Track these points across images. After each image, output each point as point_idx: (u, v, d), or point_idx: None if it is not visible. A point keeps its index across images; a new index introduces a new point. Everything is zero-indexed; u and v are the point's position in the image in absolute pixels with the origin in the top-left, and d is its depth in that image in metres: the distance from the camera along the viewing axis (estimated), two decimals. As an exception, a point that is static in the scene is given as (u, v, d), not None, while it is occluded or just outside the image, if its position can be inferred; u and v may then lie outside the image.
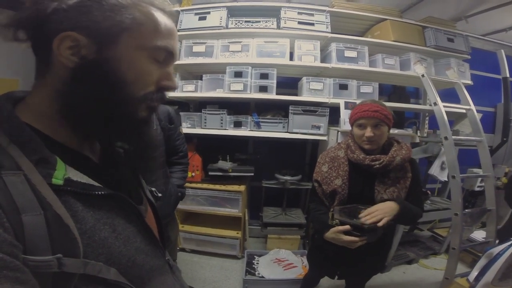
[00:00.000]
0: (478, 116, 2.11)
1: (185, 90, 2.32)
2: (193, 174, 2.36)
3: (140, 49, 0.42)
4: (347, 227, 1.19)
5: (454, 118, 2.64)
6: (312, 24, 2.30)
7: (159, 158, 1.44)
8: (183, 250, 2.47)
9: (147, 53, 0.43)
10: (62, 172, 0.39)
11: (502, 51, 2.85)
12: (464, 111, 2.15)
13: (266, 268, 2.16)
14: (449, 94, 2.41)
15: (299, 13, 2.29)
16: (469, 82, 2.53)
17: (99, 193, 0.42)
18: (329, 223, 1.25)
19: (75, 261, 0.36)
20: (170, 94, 2.05)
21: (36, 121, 0.42)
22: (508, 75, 2.89)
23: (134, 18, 0.41)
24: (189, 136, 2.44)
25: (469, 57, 2.62)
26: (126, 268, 0.43)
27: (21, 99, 0.44)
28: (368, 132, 1.26)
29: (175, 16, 0.47)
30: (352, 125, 1.38)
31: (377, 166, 1.25)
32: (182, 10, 2.35)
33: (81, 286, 0.37)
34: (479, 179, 2.58)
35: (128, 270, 0.43)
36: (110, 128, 0.46)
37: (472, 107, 2.10)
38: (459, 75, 2.38)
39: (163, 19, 0.45)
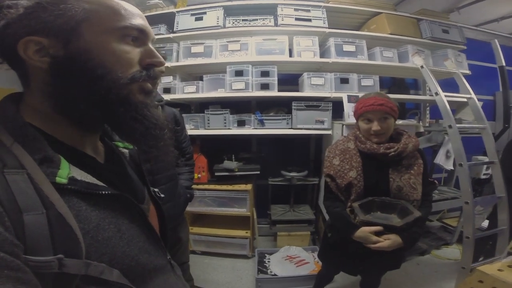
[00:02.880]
0: (479, 104, 2.12)
1: (186, 91, 2.32)
2: (200, 175, 2.34)
3: (106, 33, 0.42)
4: (380, 228, 1.17)
5: (455, 107, 2.65)
6: (309, 20, 2.33)
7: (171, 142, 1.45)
8: (193, 252, 2.44)
9: (115, 35, 0.43)
10: (66, 171, 0.39)
11: (496, 40, 2.87)
12: (465, 100, 2.16)
13: (278, 266, 2.13)
14: (447, 84, 2.43)
15: (295, 9, 2.32)
16: (467, 71, 2.57)
17: (104, 192, 0.42)
18: (353, 222, 1.23)
19: (76, 262, 0.35)
20: (172, 97, 2.06)
21: (39, 121, 0.43)
22: (504, 63, 2.91)
23: (85, 9, 0.41)
24: (192, 138, 2.44)
25: (465, 47, 2.67)
26: (129, 268, 0.43)
27: (22, 100, 0.45)
28: (375, 126, 1.26)
29: (144, 2, 0.48)
30: (357, 119, 1.37)
31: (392, 153, 1.24)
32: (178, 11, 2.35)
33: (83, 287, 0.37)
34: (485, 166, 2.58)
35: (131, 270, 0.43)
36: (111, 116, 0.46)
37: (473, 95, 2.11)
38: (457, 65, 2.41)
39: (120, 3, 0.45)
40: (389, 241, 1.16)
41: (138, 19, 0.46)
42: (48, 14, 0.39)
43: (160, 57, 0.49)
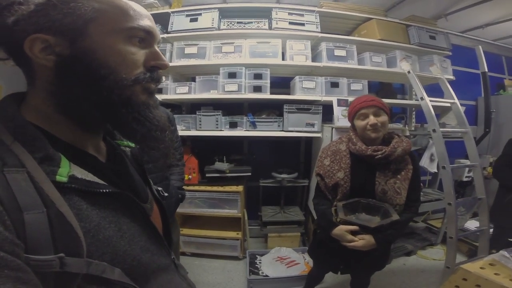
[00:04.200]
0: (462, 109, 2.21)
1: (178, 92, 2.31)
2: (190, 176, 2.33)
3: (113, 33, 0.42)
4: (356, 227, 1.21)
5: (439, 112, 2.74)
6: (303, 24, 2.35)
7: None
8: (183, 254, 2.42)
9: (122, 36, 0.43)
10: (67, 170, 0.39)
11: (480, 47, 2.98)
12: (449, 104, 2.23)
13: (269, 267, 2.16)
14: (432, 89, 2.50)
15: (289, 13, 2.34)
16: (452, 77, 2.65)
17: (104, 191, 0.42)
18: (333, 220, 1.27)
19: (78, 261, 0.35)
20: (163, 97, 2.05)
21: (40, 120, 0.42)
22: (486, 69, 3.03)
23: (94, 9, 0.41)
24: (183, 139, 2.43)
25: (450, 53, 2.75)
26: (131, 267, 0.43)
27: (23, 100, 0.45)
28: (372, 120, 1.28)
29: (139, 1, 0.48)
30: (352, 120, 1.40)
31: (379, 156, 1.28)
32: (173, 12, 2.34)
33: (84, 286, 0.37)
34: (467, 169, 2.69)
35: (133, 270, 0.43)
36: (115, 116, 0.45)
37: (456, 100, 2.18)
38: (442, 71, 2.49)
39: (129, 4, 0.45)
40: (363, 241, 1.21)
41: (146, 20, 0.46)
42: (57, 12, 0.39)
43: (165, 59, 0.49)
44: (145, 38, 0.46)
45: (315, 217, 1.52)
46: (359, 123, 1.34)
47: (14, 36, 0.39)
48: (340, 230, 1.24)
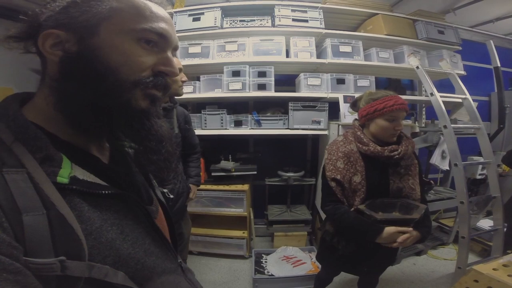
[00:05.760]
0: (474, 105, 2.14)
1: (183, 91, 2.31)
2: (196, 175, 2.33)
3: (122, 33, 0.41)
4: (408, 228, 1.16)
5: (451, 108, 2.66)
6: (306, 21, 2.33)
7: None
8: (190, 252, 2.41)
9: (131, 36, 0.42)
10: (68, 171, 0.38)
11: (491, 41, 2.89)
12: (460, 100, 2.17)
13: (275, 266, 2.13)
14: (442, 85, 2.44)
15: (292, 10, 2.32)
16: (463, 72, 2.58)
17: (106, 192, 0.41)
18: (375, 223, 1.18)
19: (79, 264, 0.34)
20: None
21: (42, 120, 0.42)
22: (499, 64, 2.93)
23: (111, 7, 0.41)
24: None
25: (460, 48, 2.68)
26: (135, 271, 0.41)
27: (29, 100, 0.44)
28: (400, 125, 1.23)
29: (164, 5, 0.46)
30: (377, 117, 1.26)
31: (397, 156, 1.23)
32: (176, 12, 2.36)
33: None
34: (480, 167, 2.60)
35: (137, 273, 0.42)
36: (108, 120, 0.43)
37: (468, 96, 2.12)
38: (452, 66, 2.42)
39: (148, 5, 0.43)
40: (412, 237, 1.16)
41: (162, 23, 0.44)
42: (77, 9, 0.40)
43: (175, 67, 0.46)
44: (158, 41, 0.44)
45: (326, 225, 1.44)
46: (384, 123, 1.24)
47: (40, 31, 0.40)
48: (389, 233, 1.15)
